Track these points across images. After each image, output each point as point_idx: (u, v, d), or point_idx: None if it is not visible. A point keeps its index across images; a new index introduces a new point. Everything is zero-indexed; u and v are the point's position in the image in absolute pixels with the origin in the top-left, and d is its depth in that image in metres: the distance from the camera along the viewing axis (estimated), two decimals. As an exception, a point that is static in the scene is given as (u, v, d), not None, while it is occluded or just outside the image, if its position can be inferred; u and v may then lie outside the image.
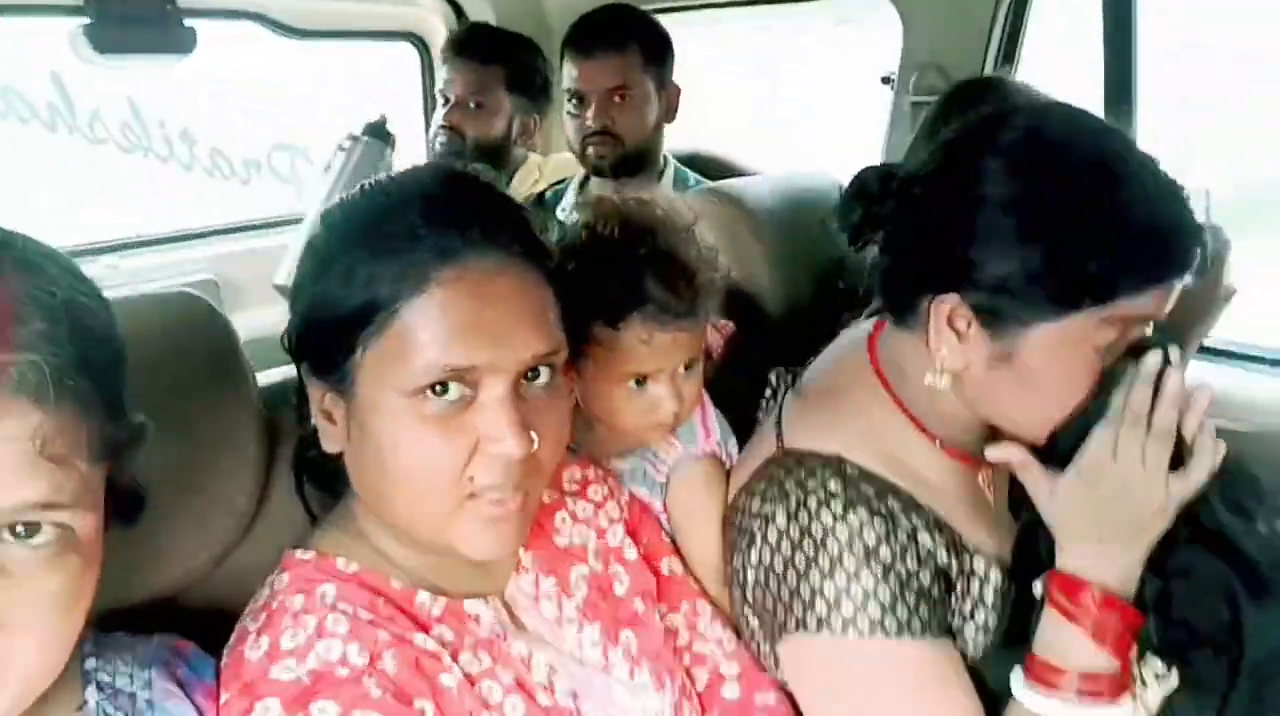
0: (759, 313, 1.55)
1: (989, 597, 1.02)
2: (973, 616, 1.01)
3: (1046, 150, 0.92)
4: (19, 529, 0.59)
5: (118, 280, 2.24)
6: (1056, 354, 0.92)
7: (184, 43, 2.05)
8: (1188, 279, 0.93)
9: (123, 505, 0.70)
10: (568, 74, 2.09)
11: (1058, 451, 0.96)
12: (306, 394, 0.90)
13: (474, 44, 2.36)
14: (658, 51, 2.12)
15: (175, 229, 2.57)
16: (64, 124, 2.25)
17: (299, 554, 0.90)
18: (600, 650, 0.97)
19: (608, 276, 1.03)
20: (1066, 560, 0.96)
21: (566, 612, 0.98)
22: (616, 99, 2.06)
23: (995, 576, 1.02)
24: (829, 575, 0.96)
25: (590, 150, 2.09)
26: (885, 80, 2.35)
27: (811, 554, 0.97)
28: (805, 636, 0.98)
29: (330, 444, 0.88)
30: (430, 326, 0.79)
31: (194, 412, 0.91)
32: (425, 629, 0.88)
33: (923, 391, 1.01)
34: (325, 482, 0.97)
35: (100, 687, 0.76)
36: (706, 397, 1.20)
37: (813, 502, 0.99)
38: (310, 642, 0.81)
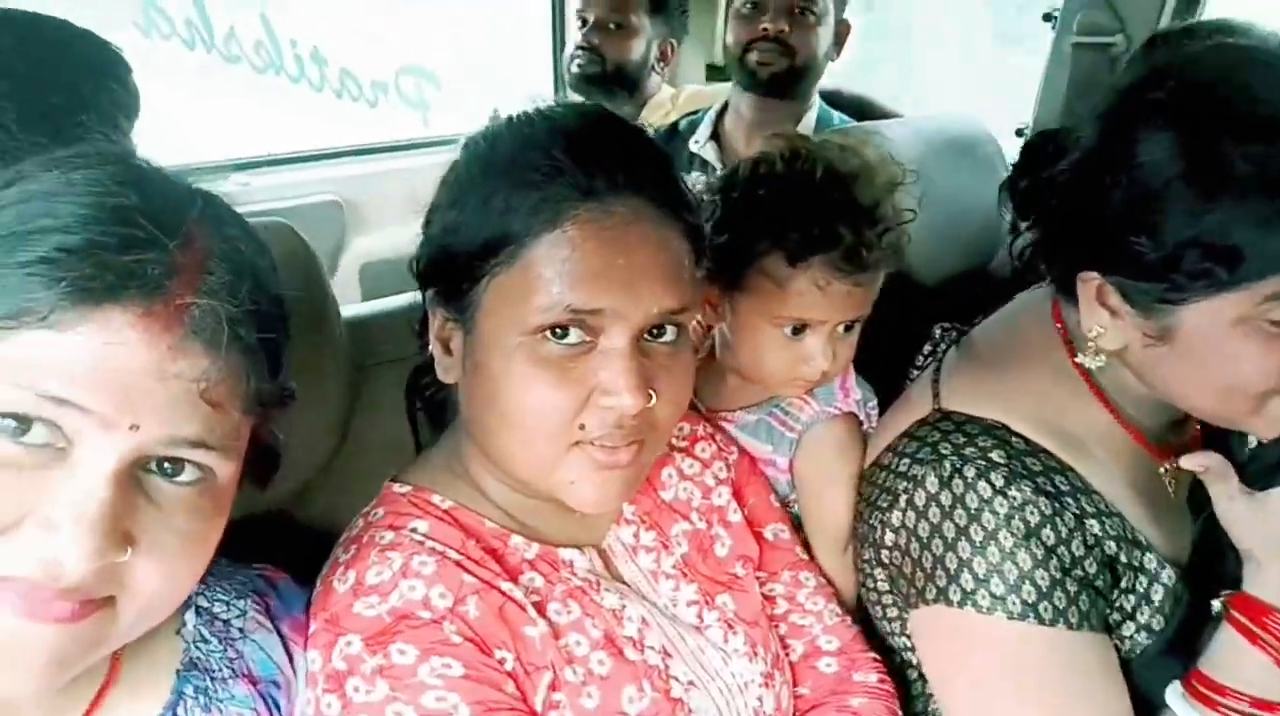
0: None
1: (1157, 597, 0.92)
2: (1135, 615, 0.93)
3: (1187, 113, 0.80)
4: (165, 465, 0.62)
5: (247, 197, 2.28)
6: (1218, 333, 0.82)
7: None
8: None
9: (259, 466, 0.72)
10: None
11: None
12: (427, 321, 0.88)
13: None
14: None
15: (303, 149, 2.60)
16: (201, 42, 2.30)
17: (397, 487, 0.90)
18: (696, 610, 0.94)
19: (801, 212, 0.98)
20: (1263, 583, 0.86)
21: (664, 567, 0.95)
22: (798, 10, 1.97)
23: (1167, 576, 0.93)
24: (981, 549, 0.89)
25: (754, 56, 1.99)
26: (1047, 18, 2.17)
27: (964, 524, 0.90)
28: (945, 608, 0.91)
29: (445, 373, 0.87)
30: (559, 264, 0.76)
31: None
32: (515, 574, 0.86)
33: (1111, 365, 0.92)
34: (433, 412, 0.97)
35: (199, 612, 0.79)
36: (851, 373, 1.14)
37: (970, 471, 0.91)
38: (394, 581, 0.81)
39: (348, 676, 0.78)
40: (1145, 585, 0.93)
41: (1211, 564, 0.94)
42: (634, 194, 0.78)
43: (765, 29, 1.96)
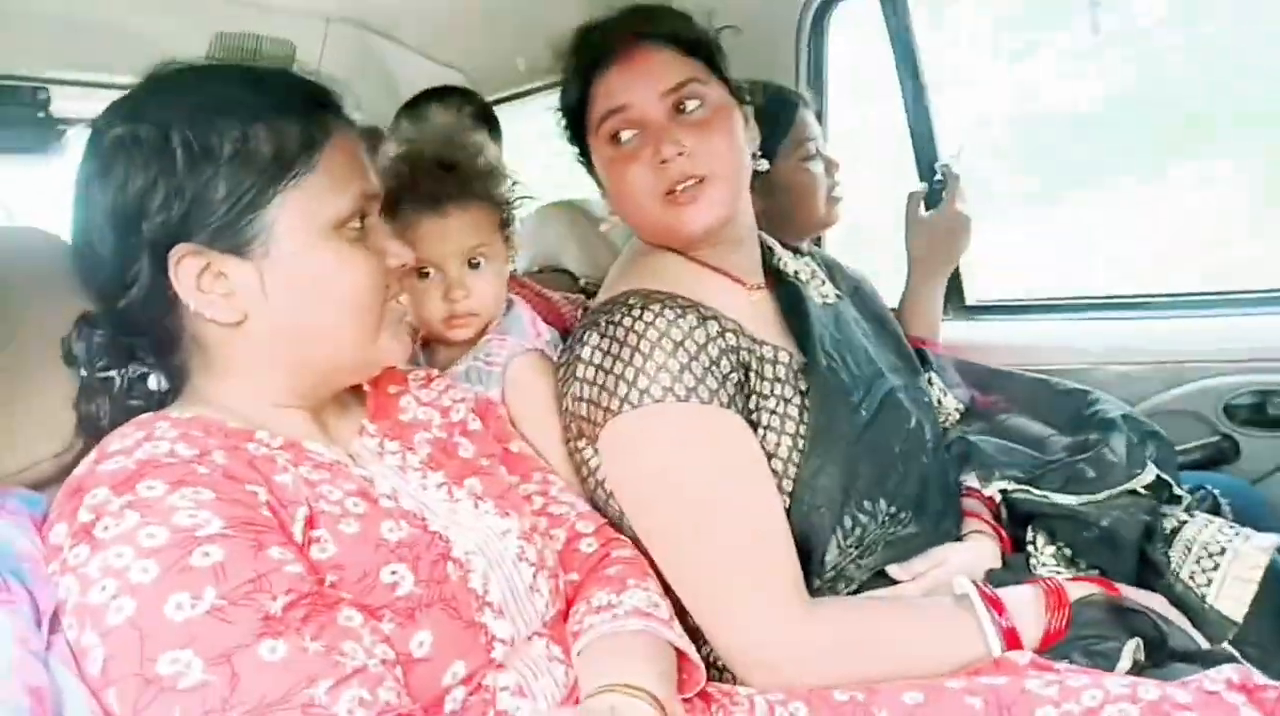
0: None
1: (780, 372, 1.20)
2: (771, 393, 1.19)
3: None
4: None
5: None
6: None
7: (54, 145, 2.19)
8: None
9: None
10: None
11: None
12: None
13: None
14: None
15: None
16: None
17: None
18: (445, 491, 1.04)
19: (390, 178, 1.26)
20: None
21: (410, 464, 1.05)
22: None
23: (783, 356, 1.21)
24: (630, 361, 1.12)
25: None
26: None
27: (617, 351, 1.14)
28: (612, 421, 1.13)
29: (227, 313, 0.92)
30: (341, 167, 0.95)
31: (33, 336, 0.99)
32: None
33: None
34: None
35: None
36: (538, 318, 1.39)
37: (618, 315, 1.16)
38: (138, 443, 0.87)
39: (96, 521, 0.80)
40: (771, 369, 1.20)
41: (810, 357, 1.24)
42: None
43: None
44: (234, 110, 0.90)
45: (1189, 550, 1.19)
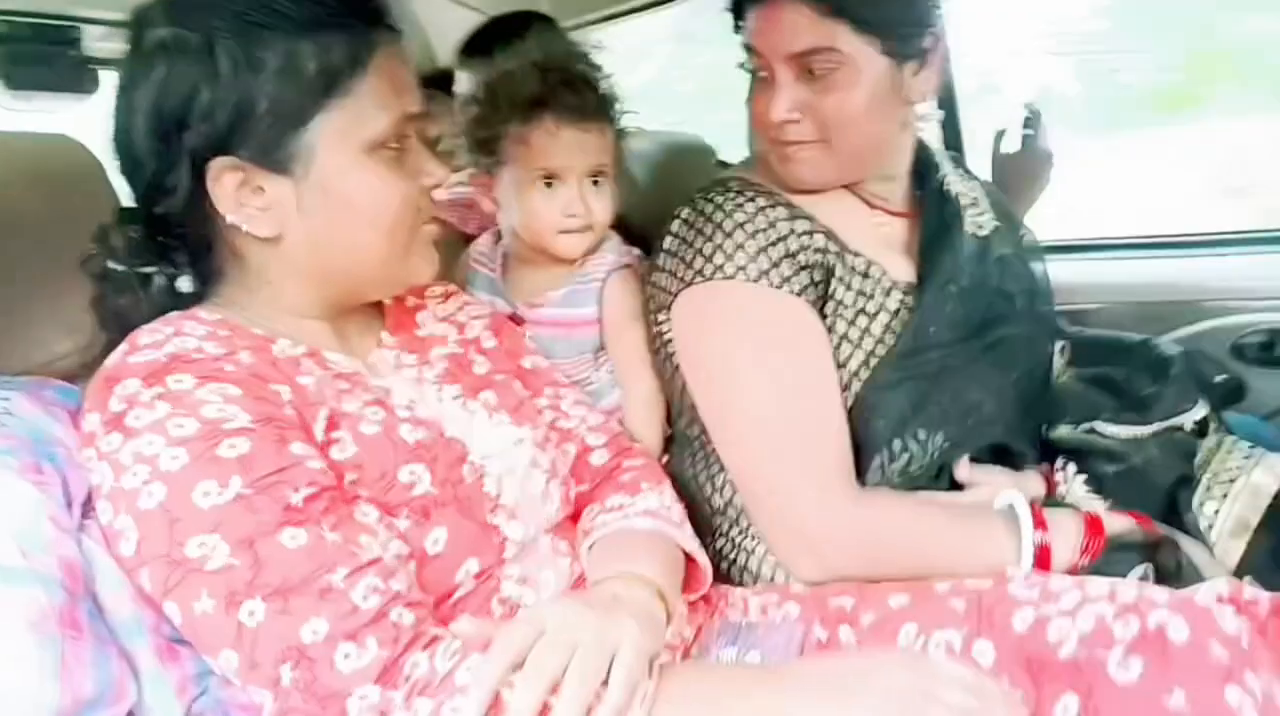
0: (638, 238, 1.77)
1: (869, 287, 1.18)
2: (854, 303, 1.17)
3: None
4: None
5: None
6: None
7: (87, 84, 2.22)
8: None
9: None
10: None
11: None
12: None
13: None
14: None
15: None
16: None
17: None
18: (460, 402, 1.05)
19: (529, 81, 1.27)
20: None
21: (426, 377, 1.06)
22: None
23: (876, 269, 1.19)
24: (710, 237, 1.14)
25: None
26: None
27: (700, 226, 1.16)
28: (685, 291, 1.17)
29: (264, 227, 0.93)
30: (384, 86, 0.93)
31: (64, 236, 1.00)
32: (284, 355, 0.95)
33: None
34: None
35: None
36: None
37: (713, 193, 1.19)
38: (168, 338, 0.90)
39: (127, 411, 0.83)
40: (858, 281, 1.18)
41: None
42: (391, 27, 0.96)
43: None
44: (280, 21, 0.88)
45: (1202, 474, 1.21)
